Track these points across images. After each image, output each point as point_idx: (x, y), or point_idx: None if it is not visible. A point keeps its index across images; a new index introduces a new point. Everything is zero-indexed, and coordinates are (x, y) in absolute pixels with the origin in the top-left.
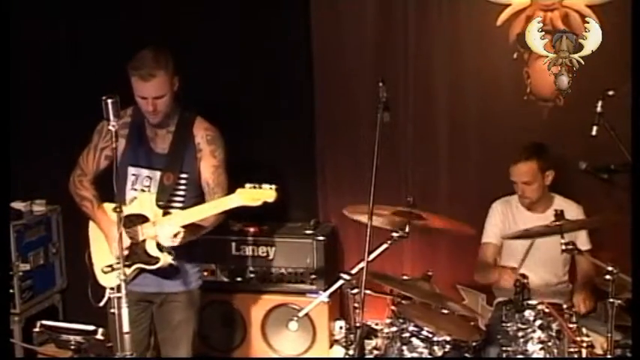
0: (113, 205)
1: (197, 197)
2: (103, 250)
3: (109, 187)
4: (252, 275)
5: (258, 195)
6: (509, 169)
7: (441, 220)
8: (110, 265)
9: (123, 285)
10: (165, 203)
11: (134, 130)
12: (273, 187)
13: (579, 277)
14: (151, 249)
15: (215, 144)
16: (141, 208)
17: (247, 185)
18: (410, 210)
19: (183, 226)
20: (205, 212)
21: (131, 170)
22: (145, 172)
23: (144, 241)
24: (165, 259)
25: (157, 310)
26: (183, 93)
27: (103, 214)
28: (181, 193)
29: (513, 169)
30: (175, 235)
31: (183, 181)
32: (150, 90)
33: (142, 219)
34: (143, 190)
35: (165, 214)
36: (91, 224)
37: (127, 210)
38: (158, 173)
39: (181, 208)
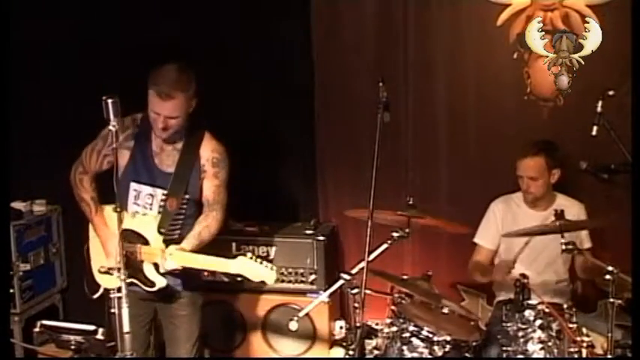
0: (112, 208)
1: (195, 213)
2: (101, 250)
3: (109, 187)
4: None
5: (258, 273)
6: (515, 163)
7: (439, 222)
8: (107, 268)
9: (123, 285)
10: (166, 230)
11: (139, 144)
12: (274, 268)
13: (579, 274)
14: (149, 273)
15: (219, 166)
16: (142, 229)
17: (248, 255)
18: (410, 215)
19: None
20: (205, 264)
21: (133, 186)
22: (147, 189)
23: (142, 261)
24: (162, 283)
25: (161, 308)
26: None
27: (102, 224)
28: (182, 211)
29: (521, 163)
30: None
31: (184, 202)
32: (165, 110)
33: (142, 240)
34: (145, 208)
35: (165, 240)
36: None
37: (128, 224)
38: (160, 191)
39: (180, 226)
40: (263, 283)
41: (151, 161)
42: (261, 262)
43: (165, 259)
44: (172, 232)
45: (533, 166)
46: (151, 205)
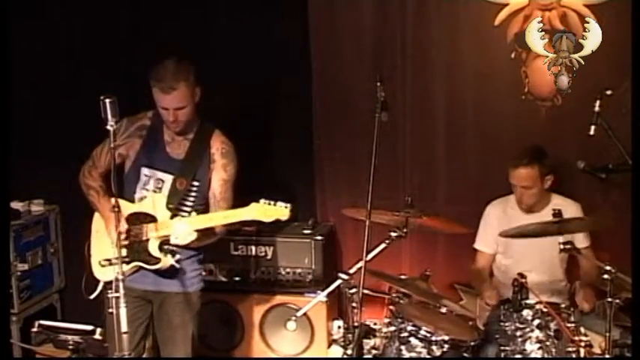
0: (119, 199)
1: (203, 205)
2: (103, 243)
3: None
4: (250, 275)
5: (271, 212)
6: (508, 170)
7: (437, 222)
8: (108, 260)
9: (121, 285)
10: (174, 206)
11: (152, 134)
12: (289, 206)
13: (581, 276)
14: (153, 249)
15: (228, 158)
16: (150, 208)
17: (262, 201)
18: (407, 215)
19: (198, 230)
20: (216, 221)
21: (144, 171)
22: (158, 174)
23: (147, 240)
24: (166, 262)
25: (157, 311)
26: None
27: (107, 203)
28: (190, 199)
29: (514, 173)
30: (189, 235)
31: (194, 189)
32: (171, 102)
33: (150, 218)
34: (154, 191)
35: (173, 217)
36: (95, 216)
37: (136, 208)
38: (170, 177)
39: (189, 209)
40: (278, 220)
41: (163, 149)
42: (275, 204)
43: (174, 226)
44: (180, 211)
45: (526, 176)
46: (161, 189)
